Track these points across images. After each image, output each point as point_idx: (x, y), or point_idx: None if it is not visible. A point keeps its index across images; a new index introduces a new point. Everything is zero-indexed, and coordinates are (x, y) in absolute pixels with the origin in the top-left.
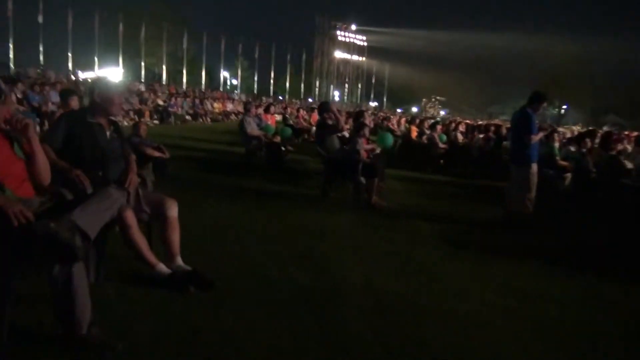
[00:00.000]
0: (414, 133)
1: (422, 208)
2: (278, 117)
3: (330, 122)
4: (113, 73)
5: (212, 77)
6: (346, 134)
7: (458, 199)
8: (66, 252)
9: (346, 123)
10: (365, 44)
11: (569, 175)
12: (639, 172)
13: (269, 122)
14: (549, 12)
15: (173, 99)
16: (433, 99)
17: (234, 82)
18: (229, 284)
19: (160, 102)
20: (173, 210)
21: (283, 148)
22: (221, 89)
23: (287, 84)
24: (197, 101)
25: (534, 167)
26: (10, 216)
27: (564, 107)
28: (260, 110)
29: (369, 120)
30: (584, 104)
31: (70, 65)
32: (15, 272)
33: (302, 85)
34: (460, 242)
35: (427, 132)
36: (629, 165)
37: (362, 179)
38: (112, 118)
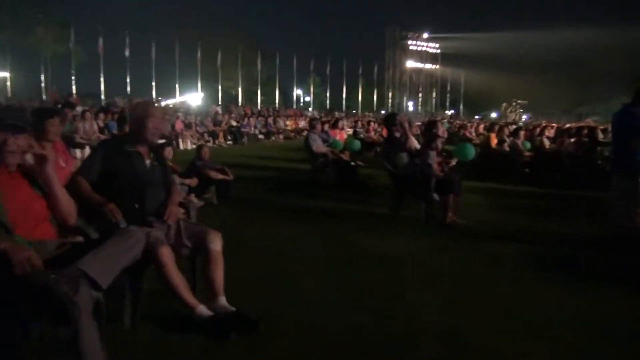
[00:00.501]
0: (494, 141)
1: (505, 225)
2: (350, 131)
3: (398, 135)
4: (193, 98)
5: (286, 95)
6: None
7: (546, 212)
8: (60, 309)
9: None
10: (438, 51)
11: None
12: None
13: (337, 138)
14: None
15: (246, 119)
16: (514, 103)
17: (307, 99)
18: (275, 325)
19: (234, 123)
20: (216, 243)
21: (353, 163)
22: (294, 106)
23: (360, 98)
24: (269, 120)
25: None
26: (14, 264)
27: None
28: (327, 127)
29: (442, 131)
30: None
31: (154, 93)
32: (20, 330)
33: (375, 97)
34: (549, 266)
35: (509, 139)
36: None
37: (436, 196)
38: (157, 143)
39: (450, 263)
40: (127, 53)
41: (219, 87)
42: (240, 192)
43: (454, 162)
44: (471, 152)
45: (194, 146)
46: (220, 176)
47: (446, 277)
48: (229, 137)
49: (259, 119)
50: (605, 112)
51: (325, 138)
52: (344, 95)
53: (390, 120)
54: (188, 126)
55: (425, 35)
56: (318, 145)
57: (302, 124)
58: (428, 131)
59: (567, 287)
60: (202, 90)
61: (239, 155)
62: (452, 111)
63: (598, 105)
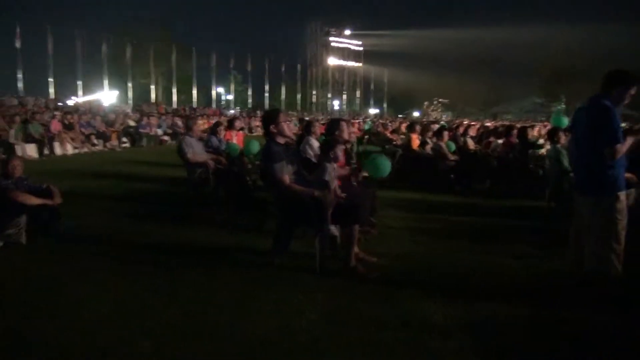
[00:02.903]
0: (415, 142)
1: (433, 260)
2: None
3: (281, 140)
4: (106, 96)
5: (206, 93)
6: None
7: (482, 234)
8: None
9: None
10: (361, 48)
11: (632, 191)
12: None
13: (234, 141)
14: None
15: (145, 119)
16: (435, 102)
17: (229, 97)
18: None
19: (132, 123)
20: None
21: (249, 178)
22: (214, 105)
23: (283, 96)
24: (176, 120)
25: (622, 197)
26: None
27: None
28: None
29: (347, 133)
30: (585, 99)
31: (51, 90)
32: None
33: (299, 96)
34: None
35: (432, 140)
36: None
37: (334, 229)
38: None
39: (353, 351)
40: (17, 44)
41: (130, 85)
42: (86, 221)
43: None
44: (385, 168)
45: (76, 151)
46: (38, 201)
47: None
48: (124, 140)
49: (163, 117)
50: (518, 111)
51: (217, 144)
52: (267, 94)
53: (270, 118)
54: (69, 127)
55: (348, 32)
56: (194, 153)
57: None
58: (327, 135)
59: None
60: (109, 88)
61: (120, 161)
62: (377, 110)
63: (511, 105)
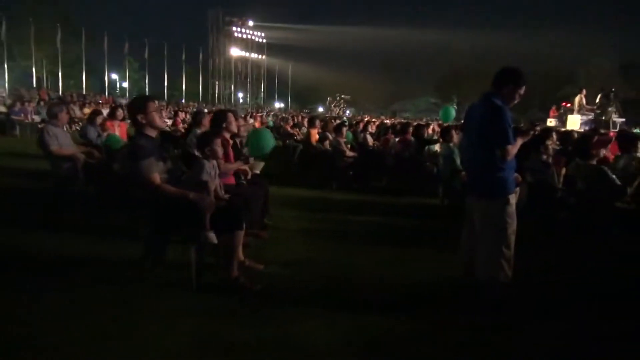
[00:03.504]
0: (315, 137)
1: (325, 267)
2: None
3: (151, 132)
4: None
5: (99, 79)
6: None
7: (379, 237)
8: None
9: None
10: (264, 40)
11: (517, 189)
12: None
13: (116, 133)
14: (449, 5)
15: (18, 105)
16: (338, 98)
17: (125, 85)
18: None
19: (3, 109)
20: None
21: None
22: (107, 92)
23: (184, 86)
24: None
25: (512, 200)
26: None
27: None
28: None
29: (235, 126)
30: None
31: None
32: None
33: (201, 86)
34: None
35: (332, 135)
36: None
37: (212, 236)
38: None
39: None
40: None
41: (5, 67)
42: None
43: (257, 168)
44: (267, 142)
45: None
46: None
47: None
48: None
49: (41, 103)
50: (414, 109)
51: (96, 134)
52: (166, 83)
53: (136, 106)
54: None
55: (251, 23)
56: (59, 145)
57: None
58: (214, 128)
59: None
60: None
61: None
62: (282, 104)
63: (408, 103)
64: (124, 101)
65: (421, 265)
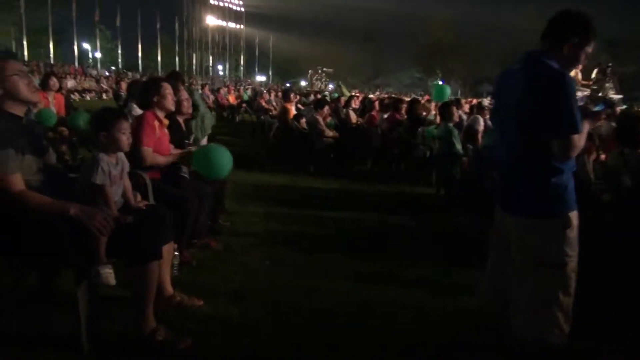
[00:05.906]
0: (292, 113)
1: (288, 295)
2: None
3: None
4: None
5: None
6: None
7: (363, 244)
8: None
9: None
10: (242, 9)
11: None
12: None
13: (51, 107)
14: None
15: None
16: (319, 71)
17: (97, 55)
18: None
19: None
20: None
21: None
22: (77, 63)
23: (159, 57)
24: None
25: (574, 221)
26: None
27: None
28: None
29: (171, 101)
30: (459, 75)
31: None
32: None
33: (177, 57)
34: None
35: (310, 114)
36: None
37: (107, 273)
38: None
39: None
40: None
41: None
42: None
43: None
44: (223, 165)
45: None
46: None
47: None
48: None
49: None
50: (397, 84)
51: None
52: (140, 54)
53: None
54: None
55: None
56: None
57: (72, 83)
58: (142, 102)
59: None
60: None
61: None
62: (264, 77)
63: (390, 77)
64: (94, 72)
65: (419, 293)
